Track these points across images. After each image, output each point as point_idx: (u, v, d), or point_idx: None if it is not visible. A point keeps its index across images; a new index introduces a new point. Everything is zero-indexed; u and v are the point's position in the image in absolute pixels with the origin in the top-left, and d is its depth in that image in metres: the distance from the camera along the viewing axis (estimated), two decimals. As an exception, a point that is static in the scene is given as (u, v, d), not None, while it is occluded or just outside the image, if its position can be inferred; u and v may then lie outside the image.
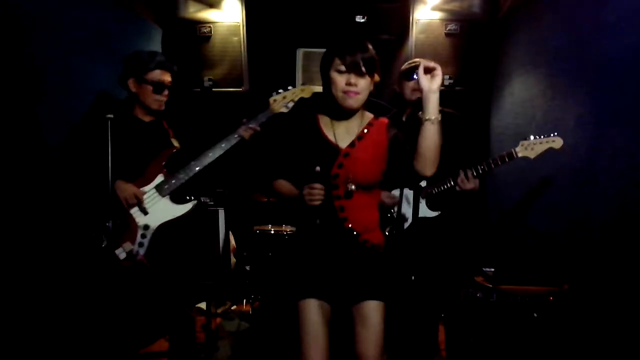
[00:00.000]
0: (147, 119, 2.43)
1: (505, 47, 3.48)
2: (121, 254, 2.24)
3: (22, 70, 2.21)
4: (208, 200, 2.85)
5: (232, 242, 3.64)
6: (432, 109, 1.68)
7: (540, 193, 2.85)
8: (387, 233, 2.54)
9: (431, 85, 1.68)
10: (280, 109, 2.40)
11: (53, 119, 2.39)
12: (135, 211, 2.30)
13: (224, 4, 3.62)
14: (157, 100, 2.38)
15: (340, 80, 1.75)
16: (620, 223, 2.18)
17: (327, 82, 1.80)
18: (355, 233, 1.81)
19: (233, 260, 3.61)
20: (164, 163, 2.38)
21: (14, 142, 2.14)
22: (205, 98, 3.69)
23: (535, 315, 2.23)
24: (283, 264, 3.15)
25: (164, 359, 2.64)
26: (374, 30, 3.73)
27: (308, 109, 1.98)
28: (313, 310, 1.72)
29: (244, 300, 3.62)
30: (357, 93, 1.75)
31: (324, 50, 1.85)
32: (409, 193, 2.54)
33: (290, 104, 2.39)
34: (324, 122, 1.90)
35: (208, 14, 3.65)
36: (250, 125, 2.32)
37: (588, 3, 2.47)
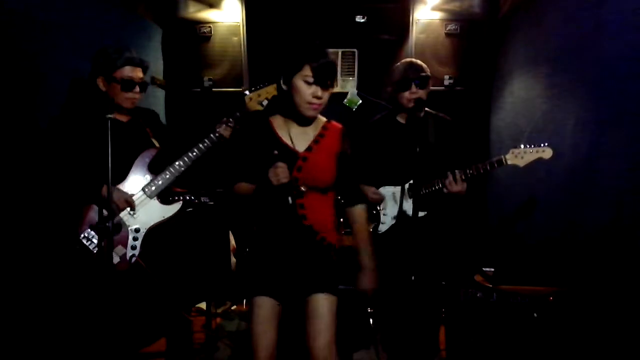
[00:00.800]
0: (124, 119, 2.36)
1: (505, 47, 3.48)
2: (114, 258, 2.21)
3: (22, 70, 2.21)
4: (207, 200, 2.85)
5: (232, 242, 3.64)
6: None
7: (540, 193, 2.85)
8: (370, 229, 2.55)
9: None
10: (256, 107, 2.35)
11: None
12: (124, 214, 2.27)
13: (224, 4, 3.63)
14: (128, 99, 2.28)
15: (306, 90, 1.78)
16: (619, 223, 2.18)
17: (289, 88, 1.83)
18: (312, 230, 1.87)
19: (233, 260, 3.61)
20: (147, 164, 2.32)
21: (13, 142, 2.14)
22: (205, 98, 3.69)
23: (535, 315, 2.23)
24: (242, 264, 3.16)
25: (163, 359, 2.65)
26: (374, 30, 3.73)
27: (260, 114, 1.99)
28: (263, 307, 1.81)
29: (244, 300, 3.62)
30: (320, 105, 1.81)
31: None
32: (396, 191, 2.57)
33: (265, 102, 2.36)
34: (278, 124, 1.93)
35: (208, 14, 3.65)
36: (229, 125, 2.29)
37: (588, 3, 2.47)
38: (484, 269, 2.54)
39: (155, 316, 2.47)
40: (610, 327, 2.12)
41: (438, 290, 2.53)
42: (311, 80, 1.76)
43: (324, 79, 1.77)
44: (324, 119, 1.99)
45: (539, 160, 2.28)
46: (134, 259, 2.25)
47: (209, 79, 3.66)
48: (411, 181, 2.49)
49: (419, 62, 2.54)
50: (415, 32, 3.56)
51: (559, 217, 2.64)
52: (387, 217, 2.58)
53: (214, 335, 3.00)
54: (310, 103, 1.79)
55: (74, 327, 2.26)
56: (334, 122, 1.99)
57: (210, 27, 3.65)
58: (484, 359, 2.33)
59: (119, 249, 2.24)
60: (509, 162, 2.30)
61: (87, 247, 2.19)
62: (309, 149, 1.89)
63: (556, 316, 2.22)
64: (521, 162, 2.29)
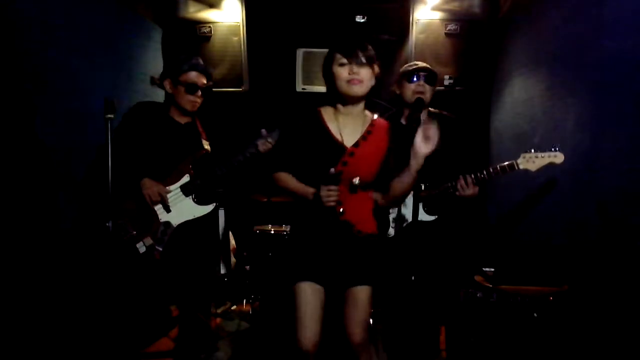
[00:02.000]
0: (182, 120, 2.51)
1: (505, 47, 3.48)
2: (141, 247, 2.34)
3: (22, 70, 2.21)
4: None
5: (232, 242, 3.65)
6: (417, 166, 1.83)
7: (540, 193, 2.85)
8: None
9: (426, 150, 1.80)
10: None
11: (53, 119, 2.40)
12: (159, 208, 2.39)
13: (224, 4, 3.63)
14: (190, 101, 2.45)
15: (342, 71, 1.85)
16: (619, 223, 2.18)
17: (331, 79, 1.89)
18: (349, 224, 1.90)
19: (233, 260, 3.61)
20: (191, 164, 2.45)
21: (14, 142, 2.14)
22: (205, 98, 3.69)
23: (535, 315, 2.23)
24: (282, 255, 3.19)
25: (166, 358, 2.65)
26: (374, 30, 3.73)
27: (310, 107, 2.00)
28: (308, 292, 1.86)
29: (244, 300, 3.62)
30: (360, 81, 1.84)
31: (324, 50, 1.90)
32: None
33: None
34: (328, 118, 1.96)
35: (208, 14, 3.65)
36: (268, 140, 2.36)
37: (588, 3, 2.47)
38: (484, 269, 2.54)
39: (162, 312, 2.52)
40: (610, 327, 2.12)
41: (439, 291, 2.53)
42: (344, 61, 1.84)
43: (356, 55, 1.82)
44: (372, 115, 2.00)
45: (551, 165, 2.29)
46: (155, 252, 2.34)
47: (209, 79, 3.66)
48: (421, 185, 2.48)
49: (423, 65, 2.55)
50: (415, 32, 3.56)
51: (559, 217, 2.64)
52: (396, 220, 2.57)
53: (214, 335, 3.00)
54: (349, 81, 1.83)
55: (82, 322, 2.29)
56: (380, 119, 2.01)
57: (210, 27, 3.65)
58: (483, 359, 2.33)
59: (147, 240, 2.35)
60: (521, 167, 2.31)
61: (118, 234, 2.30)
62: (356, 144, 1.91)
63: (556, 316, 2.22)
64: (533, 167, 2.30)
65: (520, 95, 3.21)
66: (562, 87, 2.70)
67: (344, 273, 1.90)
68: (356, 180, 1.86)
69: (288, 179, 1.97)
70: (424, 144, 1.81)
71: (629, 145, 2.14)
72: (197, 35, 3.65)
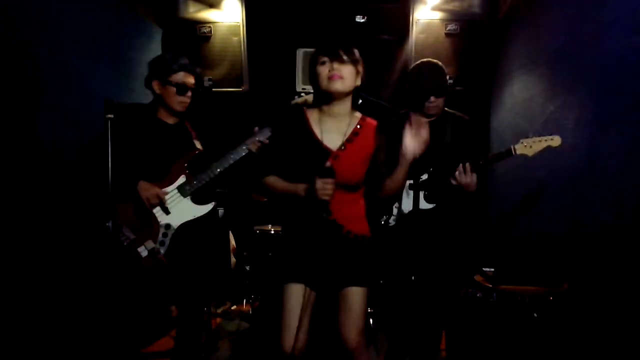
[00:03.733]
0: (171, 121, 2.48)
1: (505, 47, 3.48)
2: (143, 251, 2.31)
3: (22, 70, 2.21)
4: None
5: (232, 242, 3.65)
6: (407, 165, 1.85)
7: (540, 193, 2.85)
8: (382, 222, 2.60)
9: (414, 150, 1.82)
10: None
11: (53, 119, 2.40)
12: (157, 211, 2.36)
13: (224, 4, 3.63)
14: (180, 102, 2.42)
15: (323, 69, 1.84)
16: (619, 223, 2.18)
17: (315, 80, 1.88)
18: (338, 225, 1.88)
19: (233, 260, 3.61)
20: (186, 164, 2.43)
21: (13, 142, 2.14)
22: (205, 98, 3.69)
23: (535, 315, 2.23)
24: (274, 256, 3.20)
25: (166, 358, 2.65)
26: (374, 30, 3.73)
27: (296, 108, 2.00)
28: (293, 294, 1.83)
29: (244, 300, 3.62)
30: (340, 76, 1.82)
31: None
32: (407, 185, 2.56)
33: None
34: (313, 119, 1.94)
35: (208, 14, 3.65)
36: (259, 139, 2.34)
37: (588, 3, 2.47)
38: (484, 269, 2.54)
39: (164, 312, 2.52)
40: (611, 326, 2.12)
41: (441, 292, 2.52)
42: (324, 59, 1.83)
43: (336, 53, 1.82)
44: (359, 115, 1.98)
45: (548, 148, 2.28)
46: (159, 255, 2.32)
47: (209, 79, 3.66)
48: (424, 177, 2.49)
49: (433, 63, 2.51)
50: (415, 32, 3.56)
51: (559, 217, 2.64)
52: (399, 211, 2.59)
53: (214, 335, 3.00)
54: (330, 77, 1.82)
55: (84, 322, 2.29)
56: (369, 119, 1.98)
57: (210, 27, 3.65)
58: (484, 359, 2.33)
59: (149, 244, 2.32)
60: (518, 152, 2.32)
61: (118, 235, 2.29)
62: (341, 147, 1.89)
63: (556, 316, 2.22)
64: (530, 152, 2.31)
65: (520, 95, 3.21)
66: (562, 87, 2.70)
67: (334, 275, 1.87)
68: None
69: (277, 182, 1.95)
70: (413, 144, 1.82)
71: (629, 145, 2.14)
72: (197, 35, 3.65)
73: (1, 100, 2.09)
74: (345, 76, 1.83)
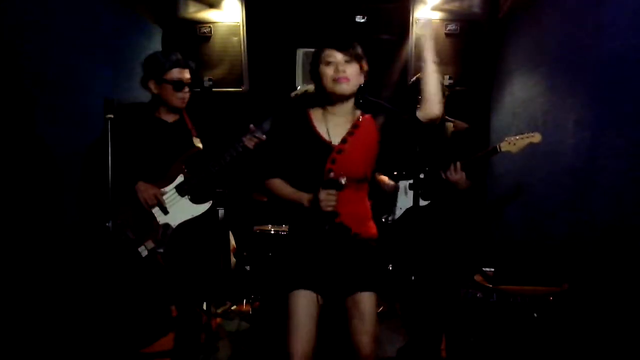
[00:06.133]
0: (170, 119, 2.47)
1: (505, 47, 3.48)
2: (143, 251, 2.32)
3: (23, 70, 2.21)
4: None
5: (232, 242, 3.65)
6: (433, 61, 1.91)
7: (540, 193, 2.85)
8: (382, 220, 2.63)
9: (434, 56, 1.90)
10: None
11: (53, 119, 2.40)
12: (156, 211, 2.37)
13: (224, 4, 3.62)
14: (179, 98, 2.42)
15: (328, 70, 1.83)
16: (620, 223, 2.17)
17: (318, 79, 1.87)
18: (346, 228, 1.84)
19: (233, 260, 3.61)
20: (184, 164, 2.42)
21: (14, 142, 2.14)
22: (205, 98, 3.69)
23: (535, 315, 2.23)
24: (277, 260, 3.19)
25: (166, 358, 2.65)
26: (374, 30, 3.73)
27: (299, 106, 2.00)
28: (301, 301, 1.77)
29: (244, 300, 3.62)
30: (347, 79, 1.82)
31: None
32: (405, 183, 2.63)
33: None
34: (316, 117, 1.93)
35: (208, 14, 3.65)
36: (256, 135, 2.33)
37: (588, 3, 2.47)
38: (484, 269, 2.54)
39: (162, 312, 2.52)
40: (611, 326, 2.12)
41: (439, 291, 2.52)
42: (330, 59, 1.82)
43: (341, 44, 1.82)
44: (360, 111, 1.96)
45: (530, 145, 2.39)
46: (158, 255, 2.33)
47: (209, 79, 3.66)
48: (422, 175, 2.51)
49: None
50: (415, 32, 3.56)
51: (559, 217, 2.64)
52: (398, 208, 2.63)
53: (214, 335, 3.00)
54: (335, 79, 1.81)
55: (82, 322, 2.30)
56: (369, 115, 1.96)
57: (210, 27, 3.65)
58: (483, 359, 2.33)
59: (149, 244, 2.33)
60: (503, 149, 2.42)
61: (118, 235, 2.27)
62: (343, 141, 1.87)
63: (556, 316, 2.22)
64: (514, 149, 2.41)
65: (520, 95, 3.21)
66: (562, 87, 2.70)
67: (343, 279, 1.82)
68: (343, 180, 1.75)
69: (281, 186, 1.91)
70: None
71: (629, 145, 2.14)
72: (197, 35, 3.64)
73: (1, 100, 2.08)
74: (350, 77, 1.82)
